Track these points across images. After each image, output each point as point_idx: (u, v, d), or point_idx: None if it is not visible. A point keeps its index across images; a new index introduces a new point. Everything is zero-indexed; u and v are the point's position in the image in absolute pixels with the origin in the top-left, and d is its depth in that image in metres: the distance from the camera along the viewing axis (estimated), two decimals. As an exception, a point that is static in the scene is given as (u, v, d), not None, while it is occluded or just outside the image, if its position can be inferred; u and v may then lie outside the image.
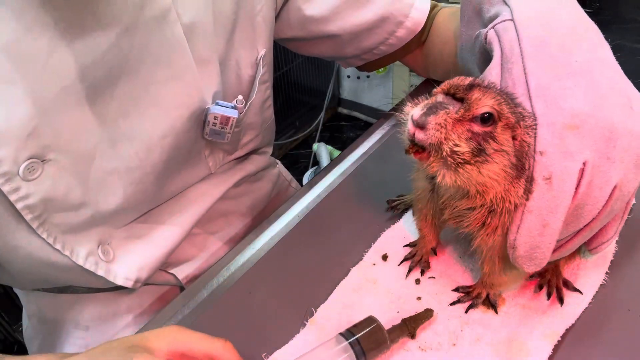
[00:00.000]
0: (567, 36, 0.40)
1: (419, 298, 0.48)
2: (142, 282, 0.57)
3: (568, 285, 0.46)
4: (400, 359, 0.43)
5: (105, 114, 0.49)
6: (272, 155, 0.81)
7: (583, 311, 0.44)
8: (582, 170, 0.36)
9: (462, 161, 0.35)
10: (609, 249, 0.49)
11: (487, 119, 0.35)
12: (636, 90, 0.40)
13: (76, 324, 0.65)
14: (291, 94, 2.34)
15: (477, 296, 0.46)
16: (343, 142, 2.52)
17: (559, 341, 0.42)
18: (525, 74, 0.39)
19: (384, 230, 0.55)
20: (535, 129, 0.37)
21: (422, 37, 0.69)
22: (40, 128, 0.44)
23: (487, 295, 0.46)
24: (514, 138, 0.36)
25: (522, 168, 0.36)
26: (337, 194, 0.62)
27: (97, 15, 0.44)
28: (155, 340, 0.38)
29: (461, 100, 0.36)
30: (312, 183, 0.65)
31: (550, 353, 0.41)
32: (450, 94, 0.37)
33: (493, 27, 0.43)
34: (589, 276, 0.47)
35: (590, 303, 0.45)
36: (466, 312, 0.46)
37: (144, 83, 0.49)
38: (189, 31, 0.50)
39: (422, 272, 0.50)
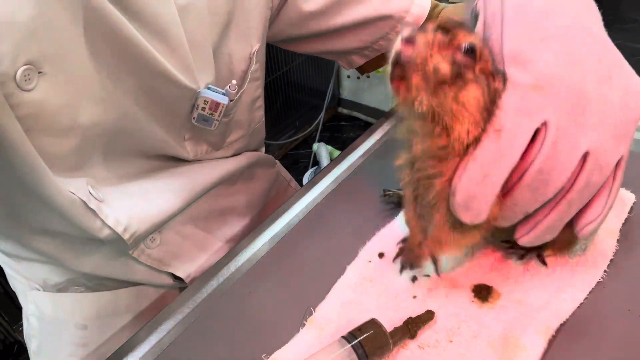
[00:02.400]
0: (552, 2, 0.39)
1: (415, 297, 0.48)
2: (132, 236, 0.55)
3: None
4: (398, 357, 0.43)
5: (99, 46, 0.46)
6: (271, 155, 0.81)
7: (583, 311, 0.44)
8: (543, 131, 0.36)
9: (442, 81, 0.36)
10: (609, 247, 0.49)
11: (469, 51, 0.36)
12: (625, 65, 0.39)
13: (75, 323, 0.65)
14: (291, 94, 2.34)
15: (416, 255, 0.48)
16: (343, 142, 2.52)
17: (558, 341, 0.42)
18: (502, 39, 0.39)
19: (379, 229, 0.55)
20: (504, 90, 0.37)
21: None
22: (40, 32, 0.42)
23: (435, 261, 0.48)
24: (488, 86, 0.37)
25: (487, 119, 0.37)
26: (337, 194, 0.62)
27: None
28: None
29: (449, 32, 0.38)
30: (312, 183, 0.65)
31: (545, 347, 0.41)
32: (441, 27, 0.38)
33: None
34: (587, 273, 0.47)
35: (585, 298, 0.45)
36: (400, 272, 0.49)
37: (139, 42, 0.47)
38: (183, 12, 0.50)
39: (411, 267, 0.50)
